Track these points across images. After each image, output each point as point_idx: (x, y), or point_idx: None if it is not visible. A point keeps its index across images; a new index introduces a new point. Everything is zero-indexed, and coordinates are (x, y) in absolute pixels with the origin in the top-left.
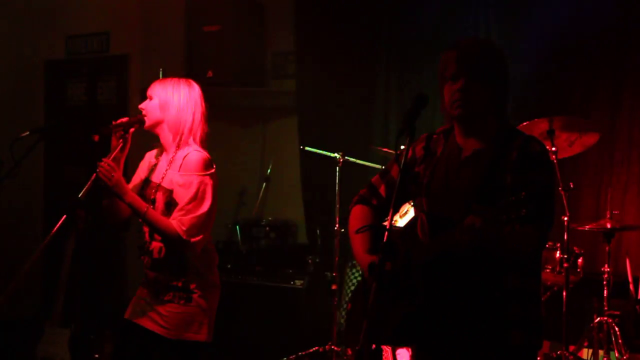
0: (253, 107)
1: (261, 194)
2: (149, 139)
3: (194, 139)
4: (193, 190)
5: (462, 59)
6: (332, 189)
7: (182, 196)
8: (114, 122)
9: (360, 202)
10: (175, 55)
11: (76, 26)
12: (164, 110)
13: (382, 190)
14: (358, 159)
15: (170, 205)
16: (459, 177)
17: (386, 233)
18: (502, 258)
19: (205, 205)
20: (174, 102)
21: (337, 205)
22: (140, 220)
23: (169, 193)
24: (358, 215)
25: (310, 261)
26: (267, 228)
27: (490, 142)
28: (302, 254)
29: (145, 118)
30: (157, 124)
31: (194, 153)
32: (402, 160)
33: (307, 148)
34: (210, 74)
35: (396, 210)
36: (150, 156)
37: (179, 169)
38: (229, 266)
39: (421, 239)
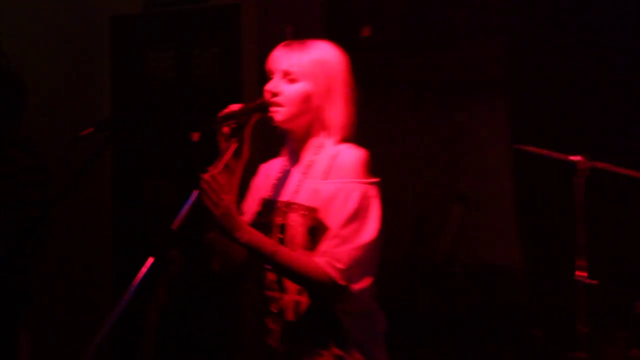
0: (435, 84)
1: (452, 222)
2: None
3: (345, 134)
4: (352, 205)
5: None
6: (568, 214)
7: (335, 215)
8: (221, 112)
9: None
10: (310, 3)
11: None
12: (310, 94)
13: None
14: (616, 166)
15: (316, 231)
16: None
17: None
18: None
19: (371, 230)
20: (327, 80)
21: (581, 242)
22: (265, 265)
23: (312, 213)
24: None
25: (536, 334)
26: (463, 278)
27: None
28: (521, 322)
29: (277, 109)
30: (297, 116)
31: (349, 151)
32: None
33: (524, 148)
34: (366, 32)
35: None
36: (267, 170)
37: (323, 175)
38: (401, 338)
39: None
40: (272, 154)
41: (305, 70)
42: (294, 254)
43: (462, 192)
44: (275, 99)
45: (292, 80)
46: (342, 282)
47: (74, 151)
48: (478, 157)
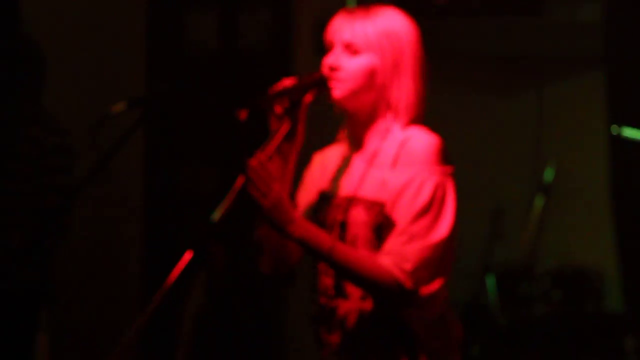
0: (518, 56)
1: (535, 218)
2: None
3: (413, 116)
4: (424, 198)
5: None
6: None
7: (404, 209)
8: (272, 89)
9: None
10: None
11: None
12: (375, 69)
13: None
14: None
15: (384, 230)
16: None
17: None
18: None
19: (445, 226)
20: (394, 52)
21: None
22: (319, 265)
23: (379, 208)
24: None
25: (629, 345)
26: (548, 282)
27: None
28: (611, 331)
29: (337, 84)
30: (360, 92)
31: (421, 136)
32: None
33: (625, 132)
34: None
35: None
36: (323, 158)
37: (392, 163)
38: (477, 348)
39: None
40: (328, 141)
41: (370, 41)
42: (355, 252)
43: (546, 183)
44: (334, 74)
45: (355, 53)
46: (409, 286)
47: (102, 131)
48: (567, 141)
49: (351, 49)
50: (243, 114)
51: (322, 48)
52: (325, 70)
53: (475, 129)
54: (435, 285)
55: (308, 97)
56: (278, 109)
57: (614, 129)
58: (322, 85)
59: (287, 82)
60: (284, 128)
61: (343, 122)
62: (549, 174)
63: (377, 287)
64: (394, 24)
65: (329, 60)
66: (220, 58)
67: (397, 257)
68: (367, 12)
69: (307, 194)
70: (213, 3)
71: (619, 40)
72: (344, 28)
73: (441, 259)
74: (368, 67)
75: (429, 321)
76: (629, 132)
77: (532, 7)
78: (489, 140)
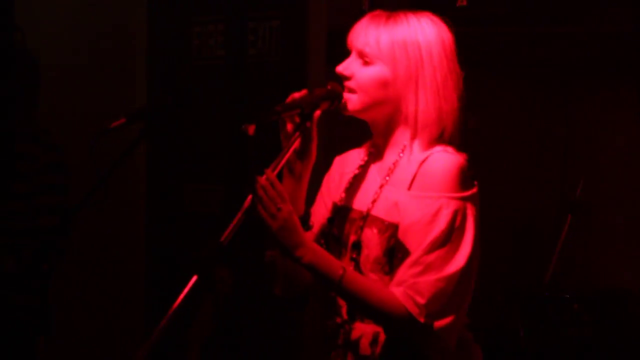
0: (547, 66)
1: (563, 237)
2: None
3: (442, 133)
4: (440, 226)
5: None
6: None
7: (418, 237)
8: (282, 105)
9: None
10: None
11: None
12: (387, 81)
13: None
14: None
15: (395, 254)
16: None
17: None
18: None
19: (462, 256)
20: (409, 64)
21: None
22: (331, 293)
23: (392, 230)
24: None
25: None
26: (577, 305)
27: None
28: None
29: (350, 95)
30: (373, 105)
31: (441, 157)
32: None
33: None
34: (463, 0)
35: None
36: (343, 163)
37: (409, 184)
38: None
39: None
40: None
41: (382, 51)
42: (366, 281)
43: (577, 200)
44: (346, 83)
45: (367, 63)
46: (421, 319)
47: (101, 146)
48: (599, 155)
49: (364, 58)
50: (251, 129)
51: (335, 58)
52: (334, 83)
53: (502, 142)
54: (449, 319)
55: (320, 110)
56: (288, 124)
57: None
58: (334, 98)
59: (298, 94)
60: (295, 144)
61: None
62: (579, 191)
63: (388, 319)
64: (415, 33)
65: (340, 68)
66: (227, 69)
67: (410, 289)
68: (388, 19)
69: (323, 202)
70: (221, 9)
71: None
72: (361, 34)
73: (458, 289)
74: (379, 78)
75: (448, 348)
76: None
77: (562, 16)
78: (515, 154)
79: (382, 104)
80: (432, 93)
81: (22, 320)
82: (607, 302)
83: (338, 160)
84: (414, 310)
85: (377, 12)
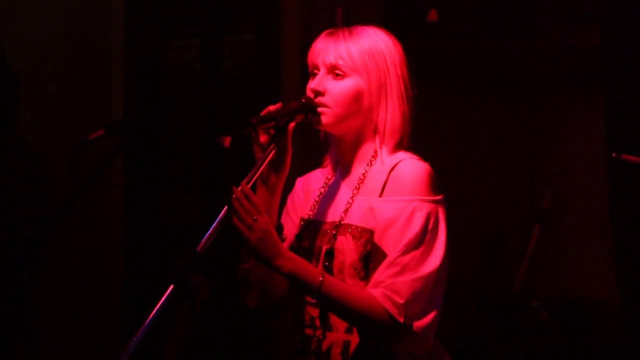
0: (514, 79)
1: (532, 245)
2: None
3: (401, 141)
4: (415, 228)
5: None
6: None
7: (394, 239)
8: (257, 117)
9: None
10: None
11: None
12: (362, 91)
13: None
14: None
15: (371, 258)
16: None
17: None
18: None
19: (437, 257)
20: (379, 73)
21: None
22: (307, 298)
23: (368, 236)
24: None
25: None
26: (544, 313)
27: None
28: None
29: (324, 109)
30: (346, 118)
31: (410, 163)
32: None
33: (623, 157)
34: (433, 16)
35: None
36: (306, 184)
37: (380, 191)
38: None
39: None
40: (311, 164)
41: (355, 63)
42: (345, 286)
43: (544, 210)
44: (319, 99)
45: (340, 76)
46: (401, 319)
47: (79, 158)
48: (565, 167)
49: (336, 72)
50: (226, 141)
51: (308, 72)
52: (309, 95)
53: (470, 153)
54: (428, 319)
55: (294, 123)
56: (262, 136)
57: (613, 154)
58: (309, 110)
59: (273, 107)
60: (269, 156)
61: (327, 146)
62: (545, 201)
63: (369, 321)
64: (377, 43)
65: (312, 84)
66: (203, 82)
67: (388, 289)
68: (350, 33)
69: (290, 220)
70: (197, 24)
71: (616, 64)
72: (328, 50)
73: (433, 290)
74: (354, 90)
75: (417, 357)
76: (628, 157)
77: (528, 30)
78: (482, 164)
79: (354, 115)
80: (397, 99)
81: (1, 326)
82: (575, 311)
83: (300, 180)
84: (393, 311)
85: (332, 29)
